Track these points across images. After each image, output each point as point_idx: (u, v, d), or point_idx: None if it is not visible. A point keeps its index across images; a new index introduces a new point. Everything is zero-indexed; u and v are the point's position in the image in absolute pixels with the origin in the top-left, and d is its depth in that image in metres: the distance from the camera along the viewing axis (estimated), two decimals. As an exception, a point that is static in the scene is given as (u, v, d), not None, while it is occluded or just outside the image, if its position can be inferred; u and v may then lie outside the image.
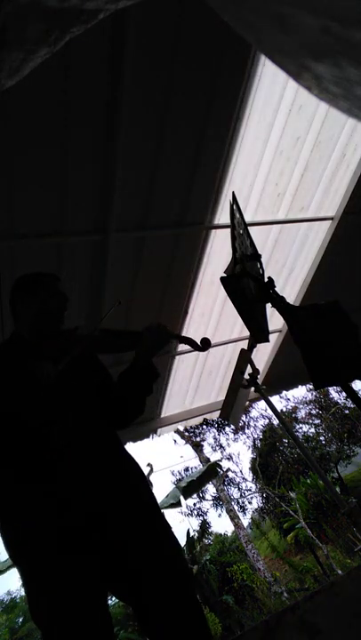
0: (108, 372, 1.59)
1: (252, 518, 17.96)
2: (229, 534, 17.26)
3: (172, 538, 1.28)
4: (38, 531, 1.14)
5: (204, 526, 16.08)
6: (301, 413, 17.65)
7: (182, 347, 3.74)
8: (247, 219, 2.81)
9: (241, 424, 16.56)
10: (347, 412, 15.95)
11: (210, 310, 3.83)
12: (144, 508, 1.28)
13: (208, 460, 15.01)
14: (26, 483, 1.20)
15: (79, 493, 1.19)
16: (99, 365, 1.58)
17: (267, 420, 17.29)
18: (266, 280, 1.45)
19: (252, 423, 17.53)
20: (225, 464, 16.85)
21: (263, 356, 4.48)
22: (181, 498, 7.67)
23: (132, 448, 5.37)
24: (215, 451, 17.21)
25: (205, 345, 1.48)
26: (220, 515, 16.05)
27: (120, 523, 1.19)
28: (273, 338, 4.31)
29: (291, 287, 4.02)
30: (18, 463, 1.23)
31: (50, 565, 1.11)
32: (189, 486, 7.82)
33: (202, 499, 16.37)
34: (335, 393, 16.62)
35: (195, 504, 16.36)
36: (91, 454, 1.27)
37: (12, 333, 1.53)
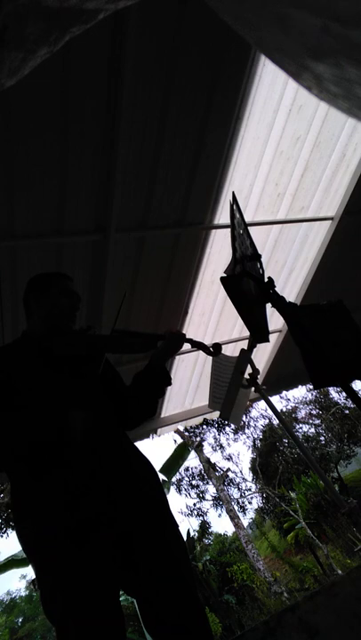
0: (118, 374, 1.61)
1: (252, 518, 17.96)
2: (229, 534, 17.26)
3: (178, 535, 1.31)
4: (57, 521, 1.15)
5: (204, 526, 16.09)
6: (301, 413, 17.66)
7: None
8: (247, 219, 2.82)
9: (241, 424, 16.56)
10: (347, 412, 15.95)
11: (210, 310, 3.83)
12: (154, 504, 1.30)
13: (208, 460, 15.02)
14: (39, 476, 1.22)
15: (91, 487, 1.20)
16: (109, 365, 1.60)
17: (267, 420, 17.30)
18: (266, 280, 1.45)
19: (252, 423, 17.54)
20: (225, 464, 16.87)
21: (263, 355, 4.49)
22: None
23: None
24: (215, 451, 17.21)
25: (217, 350, 1.51)
26: (220, 515, 16.05)
27: (130, 516, 1.21)
28: (273, 338, 4.31)
29: (291, 287, 4.02)
30: (30, 457, 1.24)
31: (64, 557, 1.12)
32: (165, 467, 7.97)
33: (202, 499, 16.38)
34: (335, 393, 16.63)
35: (195, 504, 16.37)
36: (104, 450, 1.29)
37: (22, 332, 1.55)
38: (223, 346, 1.58)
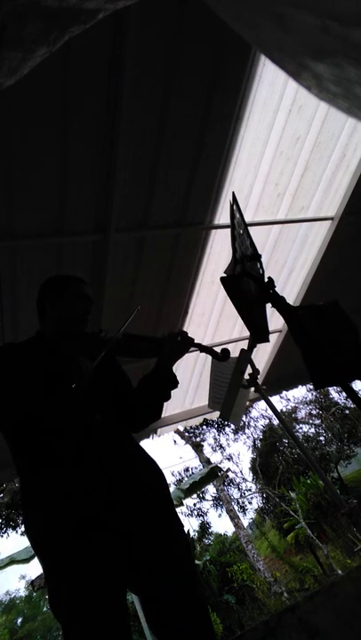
0: (127, 376, 1.61)
1: (252, 518, 17.97)
2: (229, 534, 17.27)
3: (181, 534, 1.32)
4: (58, 520, 1.16)
5: (205, 526, 16.11)
6: (301, 413, 17.67)
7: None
8: (247, 219, 2.81)
9: (241, 424, 16.56)
10: (347, 412, 15.96)
11: (210, 310, 3.82)
12: (155, 504, 1.30)
13: (208, 460, 15.02)
14: (45, 473, 1.23)
15: (90, 487, 1.21)
16: (118, 368, 1.61)
17: (267, 420, 17.30)
18: (266, 280, 1.44)
19: (252, 423, 17.54)
20: (225, 464, 16.87)
21: (263, 356, 4.48)
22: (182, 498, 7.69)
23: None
24: (215, 451, 17.22)
25: (225, 355, 1.50)
26: (220, 515, 16.06)
27: (130, 516, 1.21)
28: (273, 338, 4.31)
29: (291, 287, 4.02)
30: (37, 454, 1.25)
31: (65, 557, 1.12)
32: (190, 488, 7.86)
33: (202, 499, 16.38)
34: (335, 393, 16.63)
35: (195, 504, 16.37)
36: (103, 450, 1.30)
37: (37, 331, 1.57)
38: (223, 346, 1.58)
